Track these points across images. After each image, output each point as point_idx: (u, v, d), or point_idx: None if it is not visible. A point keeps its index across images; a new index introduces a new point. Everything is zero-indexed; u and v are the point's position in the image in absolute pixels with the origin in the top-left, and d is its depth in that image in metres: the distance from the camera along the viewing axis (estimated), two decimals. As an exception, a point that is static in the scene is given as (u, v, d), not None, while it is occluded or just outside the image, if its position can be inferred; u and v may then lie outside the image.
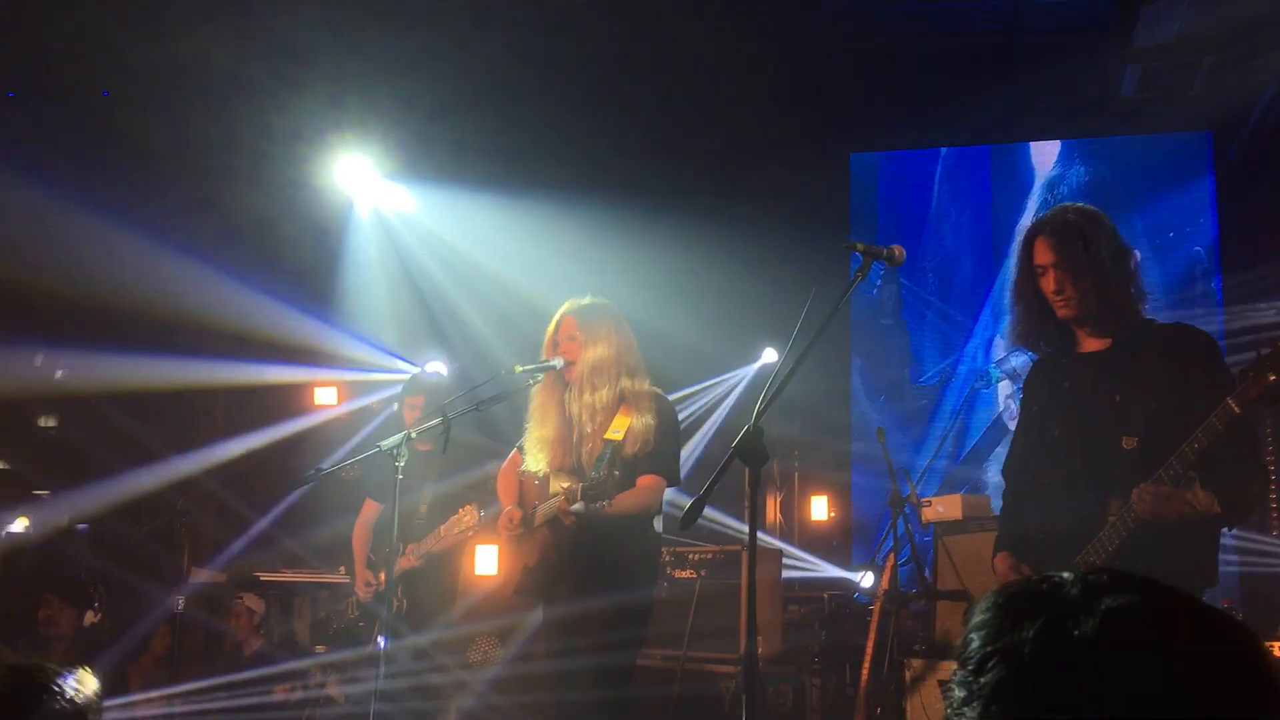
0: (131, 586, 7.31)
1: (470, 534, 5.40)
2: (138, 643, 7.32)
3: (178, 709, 6.59)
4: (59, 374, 8.29)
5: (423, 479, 5.60)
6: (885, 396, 10.47)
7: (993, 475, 9.19)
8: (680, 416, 4.94)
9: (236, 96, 7.81)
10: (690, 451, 9.31)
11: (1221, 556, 3.30)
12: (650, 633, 4.62)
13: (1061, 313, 3.36)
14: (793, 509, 10.33)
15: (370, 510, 5.99)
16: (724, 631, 6.27)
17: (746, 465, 2.81)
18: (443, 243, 9.02)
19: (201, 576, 7.55)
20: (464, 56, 7.87)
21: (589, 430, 4.34)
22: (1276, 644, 5.22)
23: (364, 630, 5.94)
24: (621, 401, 4.37)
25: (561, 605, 4.37)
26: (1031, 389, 3.62)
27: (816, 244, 8.56)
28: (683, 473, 4.59)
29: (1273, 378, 2.88)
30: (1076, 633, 0.94)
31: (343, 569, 6.33)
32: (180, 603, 6.87)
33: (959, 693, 0.99)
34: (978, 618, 1.01)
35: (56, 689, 2.13)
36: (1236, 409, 2.95)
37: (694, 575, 6.64)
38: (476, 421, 4.60)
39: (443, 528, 5.41)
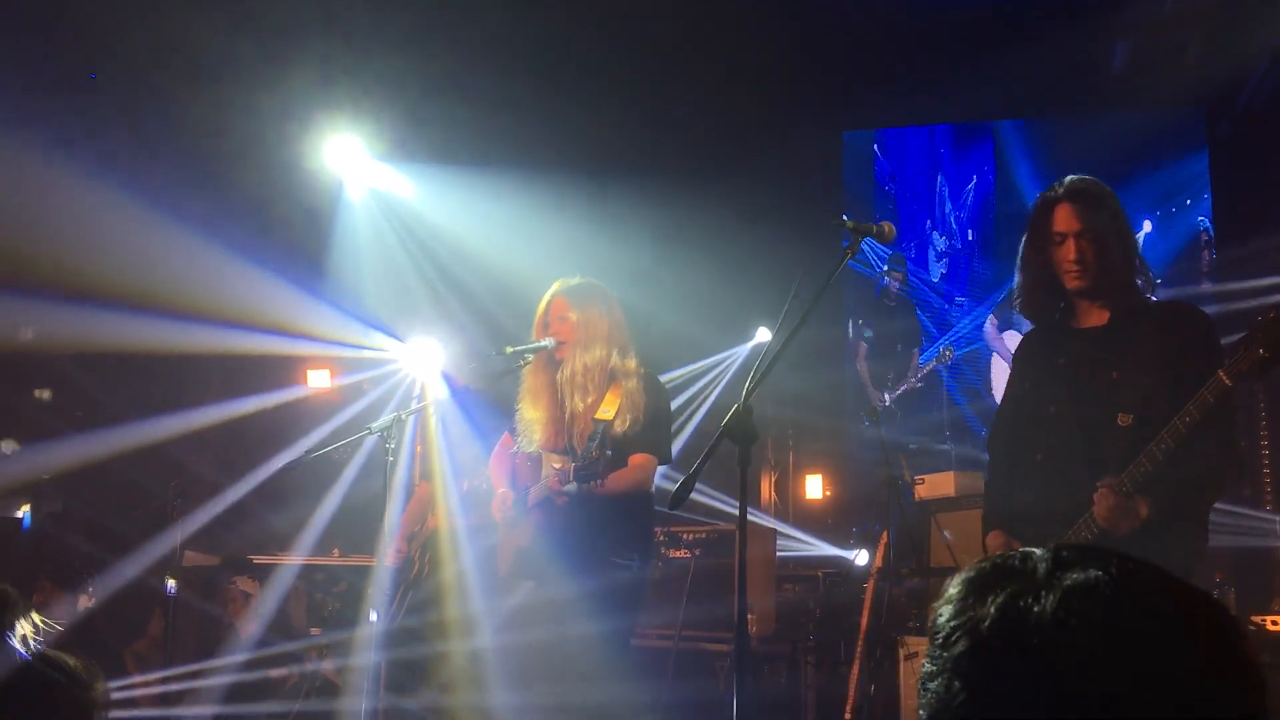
0: (124, 571, 7.30)
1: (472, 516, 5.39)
2: (132, 627, 7.32)
3: (174, 690, 6.60)
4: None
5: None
6: (893, 377, 10.49)
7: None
8: (674, 397, 4.95)
9: (226, 77, 7.77)
10: (683, 431, 9.32)
11: (1213, 533, 3.29)
12: (645, 612, 4.62)
13: (1073, 283, 3.31)
14: (787, 488, 10.36)
15: (426, 491, 6.00)
16: (718, 610, 6.29)
17: (736, 444, 2.81)
18: (433, 223, 8.99)
19: (195, 560, 7.55)
20: (454, 35, 7.83)
21: (580, 410, 4.34)
22: (1269, 618, 5.23)
23: (353, 612, 5.94)
24: (612, 381, 4.36)
25: (555, 586, 4.37)
26: (1023, 363, 3.58)
27: (810, 222, 8.55)
28: (675, 451, 4.59)
29: (1263, 351, 2.88)
30: (1036, 608, 0.94)
31: (336, 551, 6.34)
32: (173, 586, 6.87)
33: (928, 666, 1.00)
34: (949, 592, 1.02)
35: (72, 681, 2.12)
36: (1228, 382, 2.94)
37: (688, 554, 6.66)
38: (492, 398, 4.61)
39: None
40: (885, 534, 5.85)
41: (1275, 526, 7.33)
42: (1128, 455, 3.09)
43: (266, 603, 7.32)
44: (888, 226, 3.20)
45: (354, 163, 8.70)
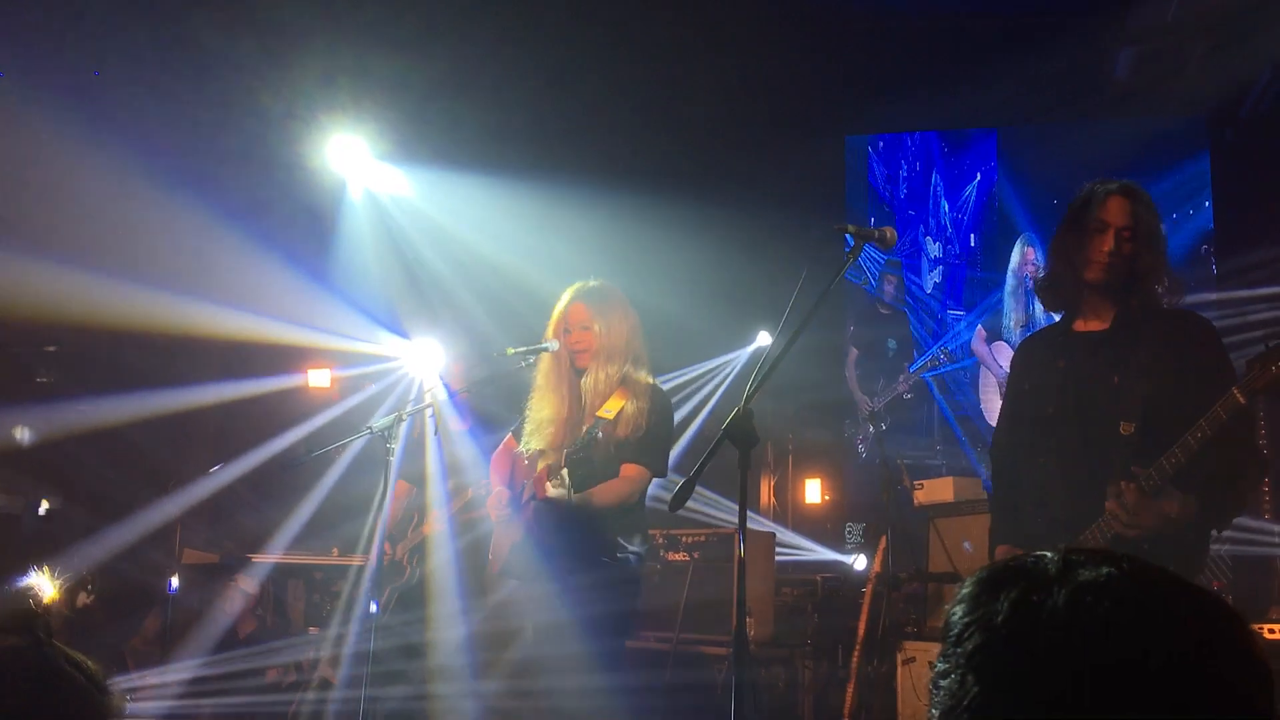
0: (123, 568, 7.31)
1: (471, 514, 5.38)
2: (131, 624, 7.32)
3: (172, 689, 6.60)
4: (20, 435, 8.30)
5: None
6: (883, 381, 10.48)
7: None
8: (674, 399, 4.95)
9: (228, 77, 7.78)
10: (684, 434, 9.32)
11: (1211, 541, 3.28)
12: (642, 613, 4.62)
13: (1096, 274, 3.27)
14: (786, 492, 10.36)
15: (403, 490, 5.99)
16: (716, 614, 6.29)
17: (736, 447, 2.81)
18: (436, 224, 9.00)
19: (194, 558, 7.55)
20: (457, 36, 7.84)
21: (590, 413, 4.35)
22: (1266, 626, 5.23)
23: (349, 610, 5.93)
24: (621, 384, 4.37)
25: (548, 584, 4.37)
26: (1023, 364, 3.55)
27: (812, 226, 8.56)
28: (677, 454, 4.59)
29: (1277, 369, 2.86)
30: (1049, 603, 0.96)
31: (335, 550, 6.33)
32: (173, 584, 6.87)
33: (941, 664, 1.01)
34: (961, 592, 1.03)
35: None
36: (1242, 399, 2.91)
37: (687, 558, 6.66)
38: (501, 393, 4.61)
39: (455, 504, 5.39)
40: (884, 539, 5.85)
41: (1273, 535, 7.32)
42: (1130, 464, 3.07)
43: (264, 601, 7.33)
44: (890, 232, 3.19)
45: (356, 163, 8.72)
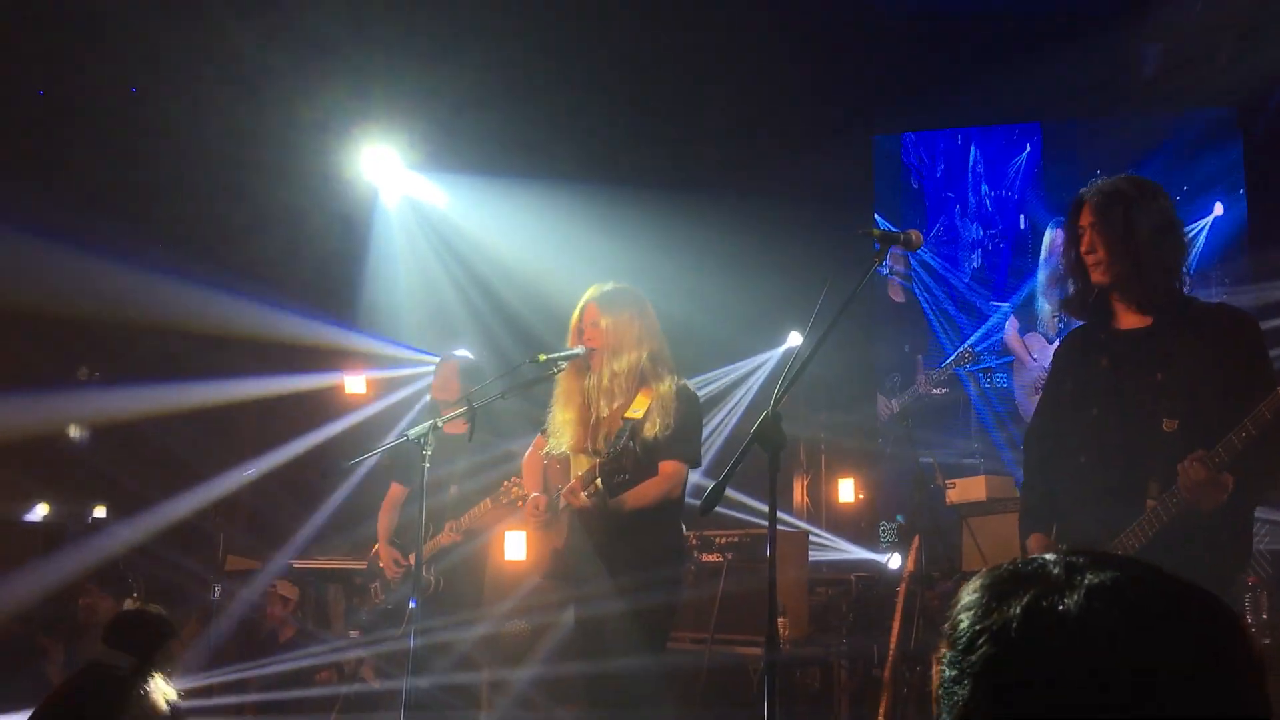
0: (168, 575, 7.42)
1: (519, 504, 5.37)
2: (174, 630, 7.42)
3: (215, 696, 6.70)
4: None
5: (453, 459, 5.60)
6: (899, 378, 10.44)
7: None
8: (705, 401, 4.96)
9: (263, 88, 7.89)
10: (716, 436, 9.35)
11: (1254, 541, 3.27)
12: (681, 611, 4.65)
13: (1094, 276, 3.28)
14: (820, 491, 10.35)
15: (397, 493, 6.03)
16: (751, 614, 6.31)
17: (765, 450, 2.83)
18: (468, 233, 9.07)
19: (236, 565, 7.66)
20: (488, 47, 7.91)
21: (606, 414, 4.37)
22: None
23: (393, 615, 5.98)
24: (643, 384, 4.39)
25: (591, 585, 4.41)
26: (1064, 363, 3.52)
27: (841, 226, 8.56)
28: (707, 459, 4.61)
29: None
30: (1061, 608, 0.96)
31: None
32: (217, 590, 6.98)
33: (949, 671, 1.01)
34: (966, 598, 1.03)
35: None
36: None
37: (720, 559, 6.69)
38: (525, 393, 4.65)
39: (489, 500, 5.39)
40: (917, 538, 5.86)
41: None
42: (1173, 461, 3.04)
43: (306, 606, 7.42)
44: (915, 235, 3.20)
45: (389, 173, 8.82)
